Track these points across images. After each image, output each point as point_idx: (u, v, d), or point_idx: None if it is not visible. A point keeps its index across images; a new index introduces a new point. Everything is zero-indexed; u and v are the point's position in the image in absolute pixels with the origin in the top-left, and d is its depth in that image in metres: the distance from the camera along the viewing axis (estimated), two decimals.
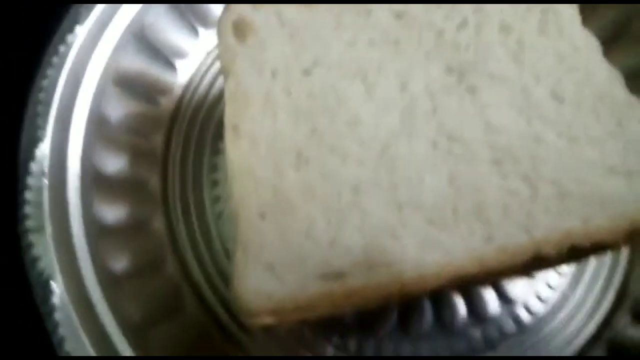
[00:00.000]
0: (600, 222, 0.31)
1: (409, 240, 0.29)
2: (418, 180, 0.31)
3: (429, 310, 0.41)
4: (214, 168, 0.42)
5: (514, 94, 0.34)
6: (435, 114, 0.33)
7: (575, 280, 0.43)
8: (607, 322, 0.41)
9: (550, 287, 0.42)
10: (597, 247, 0.31)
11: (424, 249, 0.29)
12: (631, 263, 0.43)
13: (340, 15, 0.35)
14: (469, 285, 0.35)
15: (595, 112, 0.34)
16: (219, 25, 0.34)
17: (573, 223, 0.31)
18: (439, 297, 0.41)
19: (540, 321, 0.41)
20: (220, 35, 0.34)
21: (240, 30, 0.34)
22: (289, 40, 0.34)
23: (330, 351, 0.38)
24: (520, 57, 0.35)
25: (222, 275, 0.39)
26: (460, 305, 0.41)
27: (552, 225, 0.30)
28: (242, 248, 0.28)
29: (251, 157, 0.31)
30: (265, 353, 0.37)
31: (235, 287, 0.27)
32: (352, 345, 0.39)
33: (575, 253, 0.31)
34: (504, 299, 0.42)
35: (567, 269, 0.43)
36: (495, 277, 0.32)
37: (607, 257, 0.43)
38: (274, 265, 0.28)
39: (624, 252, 0.44)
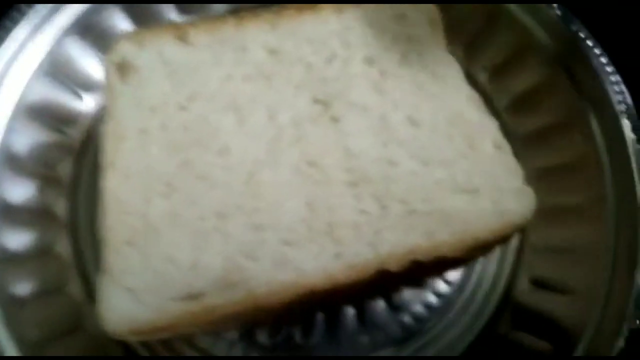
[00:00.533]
0: (443, 237, 0.34)
1: (265, 259, 0.33)
2: (278, 204, 0.34)
3: (321, 322, 0.43)
4: None
5: (373, 121, 0.37)
6: (299, 142, 0.36)
7: (460, 287, 0.46)
8: (491, 325, 0.45)
9: (436, 294, 0.45)
10: (440, 263, 0.34)
11: (278, 267, 0.32)
12: (514, 270, 0.46)
13: (218, 52, 0.38)
14: (324, 303, 0.38)
15: (449, 135, 0.37)
16: (105, 67, 0.37)
17: (417, 239, 0.34)
18: (331, 309, 0.44)
19: (426, 325, 0.44)
20: (106, 77, 0.37)
21: (124, 70, 0.37)
22: (168, 77, 0.37)
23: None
24: (381, 87, 0.38)
25: None
26: (350, 315, 0.44)
27: (397, 241, 0.34)
28: (106, 273, 0.31)
29: (123, 189, 0.34)
30: None
31: (97, 309, 0.31)
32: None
33: (418, 269, 0.34)
34: (392, 306, 0.44)
35: (453, 278, 0.46)
36: (346, 293, 0.35)
37: (492, 265, 0.46)
38: (135, 289, 0.31)
39: (509, 258, 0.47)
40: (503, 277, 0.46)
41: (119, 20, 0.48)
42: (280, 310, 0.34)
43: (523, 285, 0.45)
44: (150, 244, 0.32)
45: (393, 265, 0.33)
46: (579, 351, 0.39)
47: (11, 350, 0.35)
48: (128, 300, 0.31)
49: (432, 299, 0.45)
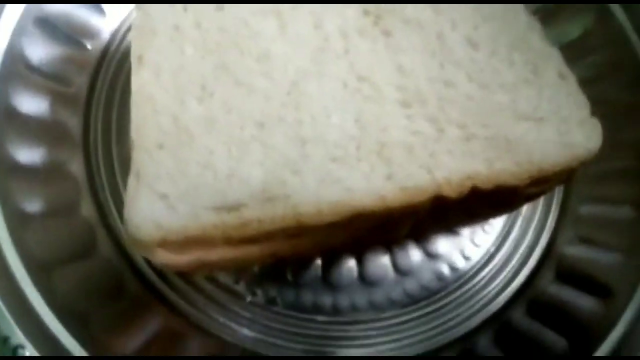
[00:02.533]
0: (505, 165, 0.31)
1: (310, 175, 0.29)
2: (324, 117, 0.31)
3: (354, 264, 0.40)
4: None
5: (428, 39, 0.34)
6: (347, 54, 0.33)
7: (502, 238, 0.43)
8: (530, 281, 0.42)
9: (475, 244, 0.42)
10: (500, 192, 0.31)
11: (324, 184, 0.29)
12: (558, 223, 0.43)
13: None
14: (369, 235, 0.35)
15: (509, 60, 0.34)
16: None
17: (477, 165, 0.31)
18: (365, 252, 0.41)
19: (463, 278, 0.41)
20: None
21: None
22: None
23: (247, 299, 0.38)
24: (438, 5, 0.35)
25: None
26: (385, 260, 0.41)
27: (455, 166, 0.30)
28: (135, 176, 0.28)
29: (153, 86, 0.30)
30: (181, 298, 0.37)
31: (125, 215, 0.27)
32: (271, 293, 0.38)
33: (476, 198, 0.31)
34: (428, 254, 0.42)
35: (493, 228, 0.43)
36: (393, 223, 0.32)
37: (535, 217, 0.43)
38: (168, 195, 0.28)
39: (552, 214, 0.44)
40: (547, 230, 0.43)
41: None
42: (318, 236, 0.30)
43: (567, 240, 0.42)
44: (184, 148, 0.29)
45: (450, 191, 0.30)
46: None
47: (19, 269, 0.31)
48: (160, 205, 0.27)
49: (470, 250, 0.42)
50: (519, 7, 0.36)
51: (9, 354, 0.29)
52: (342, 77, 0.32)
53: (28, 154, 0.36)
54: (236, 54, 0.32)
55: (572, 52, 0.39)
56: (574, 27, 0.46)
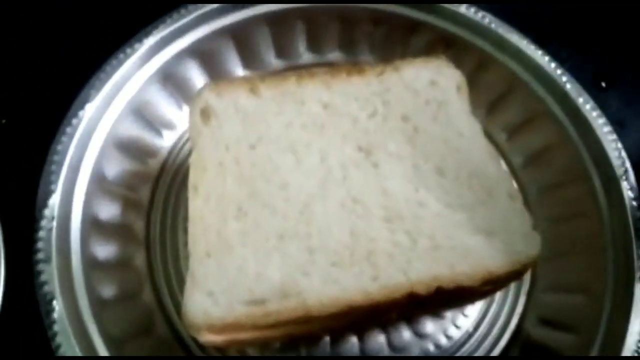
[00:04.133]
0: (463, 269, 0.41)
1: (316, 276, 0.40)
2: (328, 231, 0.42)
3: (355, 341, 0.50)
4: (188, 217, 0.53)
5: (406, 168, 0.45)
6: (345, 181, 0.44)
7: (479, 320, 0.52)
8: (503, 356, 0.51)
9: (456, 326, 0.51)
10: (460, 292, 0.41)
11: (326, 284, 0.40)
12: (525, 307, 0.52)
13: (281, 104, 0.47)
14: (361, 319, 0.45)
15: (470, 184, 0.44)
16: (190, 110, 0.46)
17: (441, 269, 0.41)
18: (365, 332, 0.50)
19: (446, 353, 0.50)
20: (190, 118, 0.45)
21: (206, 114, 0.46)
22: (241, 122, 0.46)
23: None
24: (414, 140, 0.46)
25: None
26: (381, 339, 0.50)
27: (424, 270, 0.41)
28: (190, 278, 0.39)
29: (204, 210, 0.42)
30: None
31: (183, 307, 0.38)
32: None
33: (442, 296, 0.41)
34: (417, 334, 0.50)
35: (472, 312, 0.52)
36: (380, 311, 0.42)
37: (507, 303, 0.53)
38: (214, 292, 0.39)
39: (520, 299, 0.53)
40: (516, 314, 0.52)
41: (194, 72, 0.57)
42: (325, 322, 0.41)
43: (532, 322, 0.51)
44: (225, 256, 0.40)
45: (421, 289, 0.40)
46: None
47: (99, 343, 0.42)
48: (207, 300, 0.38)
49: (452, 331, 0.51)
50: (481, 139, 0.47)
51: None
52: (341, 200, 0.43)
53: (104, 251, 0.48)
54: (263, 182, 0.43)
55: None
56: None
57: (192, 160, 0.44)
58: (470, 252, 0.42)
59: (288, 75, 0.48)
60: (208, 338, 0.41)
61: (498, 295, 0.53)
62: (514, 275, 0.43)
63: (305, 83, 0.47)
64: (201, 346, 0.47)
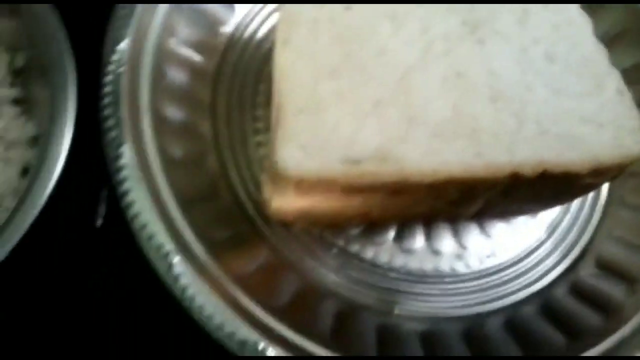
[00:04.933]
0: (571, 157, 0.38)
1: (414, 145, 0.37)
2: (427, 103, 0.38)
3: (422, 236, 0.48)
4: (256, 92, 0.49)
5: (514, 50, 0.41)
6: (448, 55, 0.40)
7: (552, 229, 0.50)
8: (572, 267, 0.48)
9: (527, 231, 0.49)
10: (565, 178, 0.38)
11: (425, 154, 0.37)
12: (600, 223, 0.50)
13: None
14: (456, 204, 0.42)
15: (579, 74, 0.41)
16: None
17: (548, 154, 0.38)
18: (432, 226, 0.48)
19: (515, 258, 0.48)
20: None
21: None
22: None
23: (334, 250, 0.45)
24: (524, 22, 0.42)
25: (253, 179, 0.46)
26: (448, 235, 0.48)
27: (531, 153, 0.38)
28: (282, 130, 0.36)
29: (296, 65, 0.38)
30: (283, 244, 0.44)
31: (274, 158, 0.35)
32: (353, 249, 0.46)
33: (546, 180, 0.38)
34: (487, 235, 0.49)
35: (545, 219, 0.50)
36: (479, 191, 0.39)
37: (581, 215, 0.50)
38: (306, 146, 0.35)
39: (596, 214, 0.51)
40: (590, 228, 0.50)
41: None
42: (418, 195, 0.38)
43: (605, 238, 0.49)
44: (319, 114, 0.36)
45: (526, 171, 0.37)
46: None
47: (168, 197, 0.39)
48: (299, 153, 0.35)
49: (524, 236, 0.49)
50: (590, 33, 0.43)
51: (163, 261, 0.36)
52: (443, 73, 0.39)
53: (172, 112, 0.44)
54: (359, 46, 0.40)
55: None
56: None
57: (282, 14, 0.40)
58: (579, 141, 0.39)
59: None
60: (283, 203, 0.38)
61: (574, 205, 0.51)
62: (617, 171, 0.40)
63: None
64: (265, 219, 0.44)
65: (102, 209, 0.46)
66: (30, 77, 0.44)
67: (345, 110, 0.37)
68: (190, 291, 0.36)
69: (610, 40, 0.49)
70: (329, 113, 0.37)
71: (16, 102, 0.44)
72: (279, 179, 0.35)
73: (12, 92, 0.44)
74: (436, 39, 0.41)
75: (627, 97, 0.41)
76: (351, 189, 0.36)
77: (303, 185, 0.35)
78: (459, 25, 0.42)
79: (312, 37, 0.39)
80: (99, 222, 0.46)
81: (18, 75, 0.45)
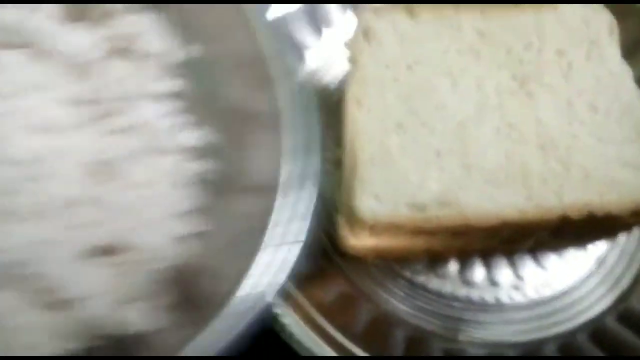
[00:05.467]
0: (612, 199, 0.43)
1: (472, 191, 0.42)
2: (482, 152, 0.43)
3: (482, 268, 0.52)
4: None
5: (560, 102, 0.46)
6: (500, 108, 0.45)
7: (600, 262, 0.53)
8: (622, 298, 0.52)
9: (579, 264, 0.53)
10: (609, 219, 0.43)
11: (482, 199, 0.42)
12: None
13: (438, 29, 0.48)
14: (510, 242, 0.47)
15: (620, 122, 0.45)
16: (354, 30, 0.48)
17: (592, 197, 0.42)
18: (491, 260, 0.52)
19: (567, 288, 0.52)
20: (353, 37, 0.48)
21: (366, 33, 0.48)
22: (399, 43, 0.47)
23: (400, 282, 0.51)
24: (568, 75, 0.47)
25: (328, 217, 0.51)
26: (507, 268, 0.52)
27: (576, 195, 0.42)
28: (359, 181, 0.42)
29: (367, 122, 0.44)
30: (357, 276, 0.50)
31: (353, 205, 0.41)
32: (418, 280, 0.51)
33: (592, 220, 0.43)
34: (541, 267, 0.53)
35: (594, 252, 0.53)
36: (530, 232, 0.44)
37: (630, 247, 0.54)
38: (379, 194, 0.41)
39: None
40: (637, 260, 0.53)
41: None
42: (477, 235, 0.43)
43: None
44: (387, 165, 0.42)
45: (573, 213, 0.42)
46: None
47: None
48: (373, 200, 0.41)
49: (575, 268, 0.52)
50: (631, 81, 0.47)
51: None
52: (496, 124, 0.45)
53: None
54: (421, 102, 0.45)
55: None
56: None
57: (354, 76, 0.46)
58: (620, 184, 0.43)
59: (445, 2, 0.49)
60: (358, 242, 0.44)
61: (622, 240, 0.54)
62: None
63: (462, 10, 0.48)
64: (341, 254, 0.50)
65: None
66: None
67: (410, 161, 0.43)
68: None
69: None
70: (396, 164, 0.43)
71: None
72: (356, 222, 0.41)
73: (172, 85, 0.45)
74: (489, 93, 0.46)
75: None
76: (417, 230, 0.42)
77: (376, 227, 0.41)
78: (509, 79, 0.47)
79: (380, 95, 0.45)
80: None
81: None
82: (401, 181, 0.42)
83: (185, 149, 0.46)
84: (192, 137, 0.46)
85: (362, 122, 0.44)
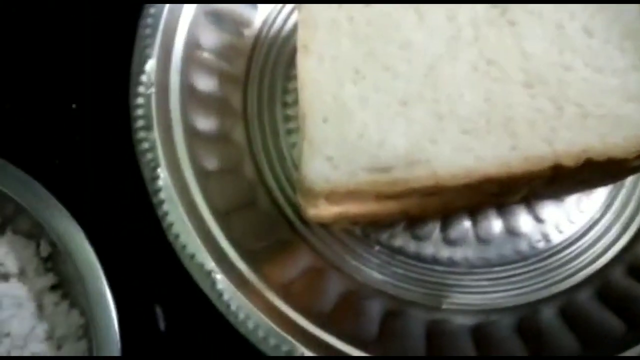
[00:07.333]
0: (616, 140, 0.36)
1: (446, 145, 0.36)
2: (458, 96, 0.37)
3: (469, 225, 0.46)
4: (286, 90, 0.49)
5: (549, 28, 0.39)
6: (477, 42, 0.38)
7: (605, 207, 0.47)
8: (630, 246, 0.46)
9: (580, 211, 0.47)
10: (610, 164, 0.36)
11: (458, 153, 0.35)
12: None
13: None
14: (498, 195, 0.41)
15: (621, 47, 0.38)
16: None
17: (591, 139, 0.36)
18: (478, 213, 0.46)
19: (568, 240, 0.46)
20: None
21: None
22: None
23: (376, 247, 0.45)
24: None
25: (289, 181, 0.46)
26: (496, 221, 0.46)
27: (572, 140, 0.36)
28: (308, 143, 0.35)
29: (317, 71, 0.37)
30: (323, 243, 0.44)
31: (301, 172, 0.35)
32: (396, 244, 0.45)
33: (590, 168, 0.36)
34: (537, 218, 0.46)
35: (598, 197, 0.47)
36: (519, 185, 0.38)
37: (637, 190, 0.47)
38: (332, 157, 0.35)
39: None
40: None
41: None
42: (454, 195, 0.37)
43: None
44: (343, 121, 0.36)
45: (568, 161, 0.35)
46: None
47: (206, 213, 0.40)
48: (326, 165, 0.35)
49: (575, 216, 0.46)
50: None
51: (205, 277, 0.37)
52: (473, 62, 0.38)
53: (204, 123, 0.45)
54: (382, 42, 0.38)
55: None
56: None
57: (301, 18, 0.39)
58: (624, 121, 0.36)
59: None
60: (316, 210, 0.38)
61: (628, 181, 0.48)
62: None
63: None
64: (304, 222, 0.44)
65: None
66: (58, 260, 0.41)
67: (371, 114, 0.36)
68: (233, 306, 0.37)
69: None
70: (354, 119, 0.36)
71: (52, 288, 0.41)
72: (308, 191, 0.35)
73: (49, 280, 0.41)
74: (463, 25, 0.39)
75: None
76: (384, 195, 0.36)
77: (334, 196, 0.35)
78: (487, 7, 0.39)
79: (332, 39, 0.38)
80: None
81: (46, 261, 0.42)
82: (359, 139, 0.35)
83: None
84: None
85: (312, 73, 0.37)
